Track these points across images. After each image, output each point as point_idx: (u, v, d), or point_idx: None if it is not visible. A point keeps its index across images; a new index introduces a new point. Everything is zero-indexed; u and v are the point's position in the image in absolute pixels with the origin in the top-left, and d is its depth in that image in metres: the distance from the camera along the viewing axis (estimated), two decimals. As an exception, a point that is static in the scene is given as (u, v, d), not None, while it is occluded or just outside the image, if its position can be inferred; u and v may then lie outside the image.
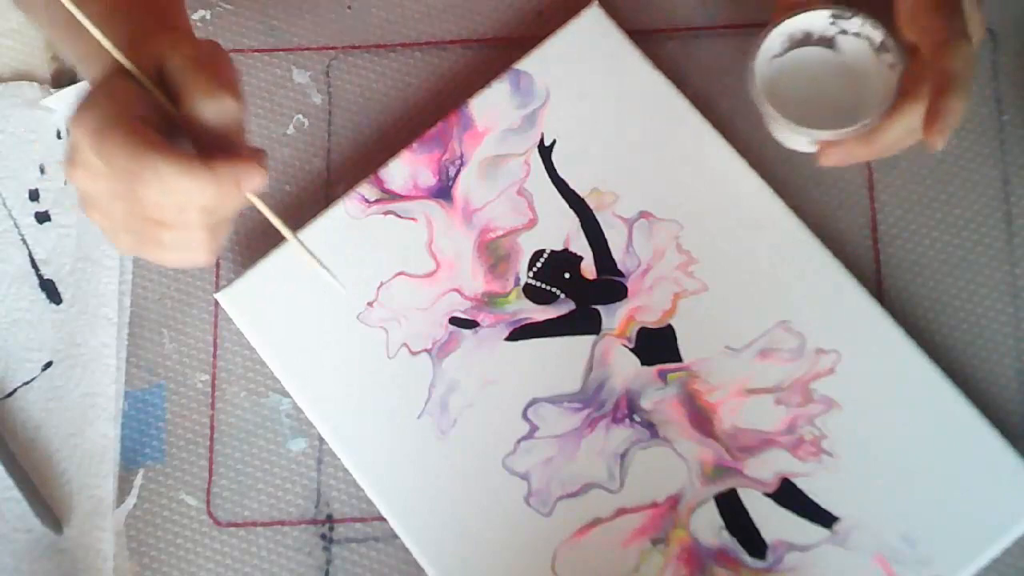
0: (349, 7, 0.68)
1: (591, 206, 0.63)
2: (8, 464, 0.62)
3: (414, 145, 0.63)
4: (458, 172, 0.63)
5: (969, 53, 0.50)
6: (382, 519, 0.60)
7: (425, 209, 0.63)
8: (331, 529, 0.62)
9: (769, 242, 0.61)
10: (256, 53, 0.68)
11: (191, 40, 0.47)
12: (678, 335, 0.61)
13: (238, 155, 0.45)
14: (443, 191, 0.63)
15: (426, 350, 0.61)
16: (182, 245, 0.47)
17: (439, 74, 0.67)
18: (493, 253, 0.62)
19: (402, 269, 0.62)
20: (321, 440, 0.62)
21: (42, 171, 0.67)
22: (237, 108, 0.45)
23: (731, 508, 0.58)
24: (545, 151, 0.63)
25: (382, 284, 0.62)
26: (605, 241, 0.62)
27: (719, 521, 0.58)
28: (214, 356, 0.64)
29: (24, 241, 0.66)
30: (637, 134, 0.63)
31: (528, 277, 0.62)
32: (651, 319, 0.61)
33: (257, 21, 0.68)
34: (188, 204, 0.44)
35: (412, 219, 0.63)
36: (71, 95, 0.67)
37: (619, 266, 0.62)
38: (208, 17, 0.69)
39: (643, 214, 0.62)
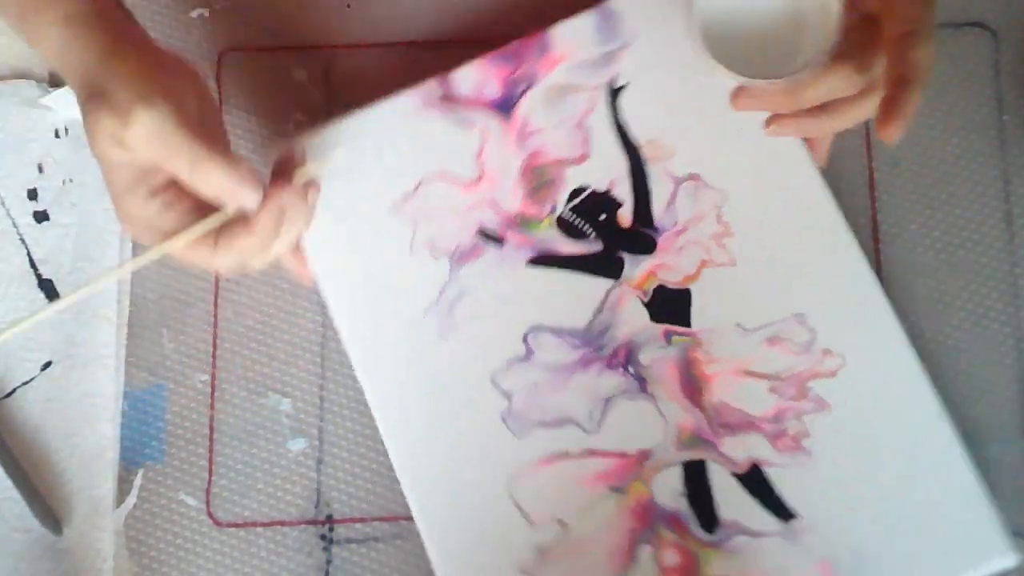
0: (349, 5, 0.68)
1: (645, 156, 0.63)
2: (7, 464, 0.62)
3: (488, 56, 0.64)
4: (524, 92, 0.63)
5: (932, 51, 0.48)
6: (382, 519, 0.62)
7: (484, 119, 0.63)
8: (331, 529, 0.62)
9: (808, 234, 0.61)
10: (255, 51, 0.67)
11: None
12: (693, 301, 0.61)
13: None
14: (505, 106, 0.63)
15: (447, 253, 0.62)
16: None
17: (440, 72, 0.65)
18: (537, 177, 0.63)
19: (446, 170, 0.63)
20: (321, 440, 0.63)
21: (40, 170, 0.66)
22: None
23: (696, 478, 0.59)
24: (614, 92, 0.63)
25: (421, 181, 0.63)
26: (648, 193, 0.62)
27: (680, 487, 0.59)
28: (214, 356, 0.65)
29: (23, 241, 0.66)
30: (710, 96, 0.62)
31: (565, 209, 0.63)
32: (672, 279, 0.61)
33: (256, 19, 0.68)
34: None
35: (469, 126, 0.64)
36: (69, 94, 0.65)
37: (655, 221, 0.62)
38: (206, 15, 0.68)
39: (692, 176, 0.62)
